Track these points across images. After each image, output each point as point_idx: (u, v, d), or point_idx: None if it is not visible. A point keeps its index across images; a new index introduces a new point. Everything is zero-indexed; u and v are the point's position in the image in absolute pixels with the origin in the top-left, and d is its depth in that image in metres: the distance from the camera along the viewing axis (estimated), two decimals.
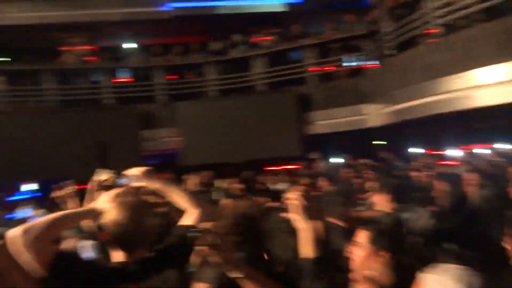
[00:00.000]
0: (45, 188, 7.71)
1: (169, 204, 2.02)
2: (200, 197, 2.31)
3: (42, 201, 4.99)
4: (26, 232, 1.44)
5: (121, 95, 9.44)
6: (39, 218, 1.61)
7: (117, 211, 1.60)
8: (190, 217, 1.79)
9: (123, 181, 1.86)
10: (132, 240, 1.61)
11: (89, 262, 1.84)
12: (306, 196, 1.86)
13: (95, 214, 1.65)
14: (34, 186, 7.82)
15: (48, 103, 9.10)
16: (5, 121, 8.27)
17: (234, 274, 1.47)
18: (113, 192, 1.70)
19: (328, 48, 8.91)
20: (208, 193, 4.73)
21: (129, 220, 1.59)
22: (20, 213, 4.12)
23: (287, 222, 1.97)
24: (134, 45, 11.00)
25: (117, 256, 1.64)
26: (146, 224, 1.67)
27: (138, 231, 1.62)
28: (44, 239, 1.47)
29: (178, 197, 1.85)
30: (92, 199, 1.90)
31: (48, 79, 9.04)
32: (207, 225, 1.72)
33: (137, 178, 1.87)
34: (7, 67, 9.22)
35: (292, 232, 1.90)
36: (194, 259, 1.56)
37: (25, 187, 7.61)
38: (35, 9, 9.34)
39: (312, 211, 1.83)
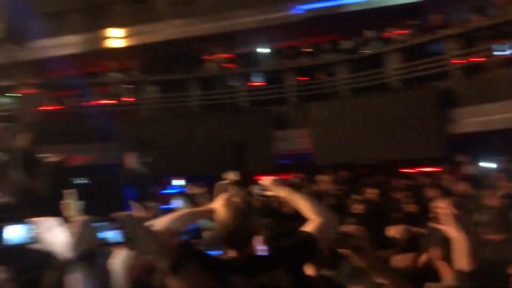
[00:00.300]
0: (191, 184, 8.62)
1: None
2: (325, 203, 2.30)
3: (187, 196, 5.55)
4: (161, 221, 1.63)
5: (256, 98, 9.99)
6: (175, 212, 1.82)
7: (225, 211, 1.70)
8: (311, 225, 1.80)
9: (255, 189, 1.97)
10: (238, 238, 1.69)
11: (205, 255, 1.97)
12: (457, 205, 1.70)
13: (211, 213, 1.78)
14: (182, 182, 8.72)
15: (193, 107, 10.16)
16: (158, 124, 9.52)
17: (379, 279, 1.42)
18: (226, 194, 1.82)
19: (474, 36, 7.95)
20: (343, 194, 4.68)
21: (235, 220, 1.67)
22: (172, 205, 4.66)
23: (439, 231, 1.83)
24: (267, 50, 11.49)
25: (230, 252, 1.73)
26: (252, 224, 1.74)
27: (244, 230, 1.69)
28: (168, 232, 1.64)
29: (302, 205, 1.89)
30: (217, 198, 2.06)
31: (193, 86, 10.11)
32: (350, 229, 1.70)
33: (267, 187, 1.97)
34: (159, 77, 10.54)
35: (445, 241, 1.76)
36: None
37: (175, 182, 8.55)
38: (184, 24, 10.47)
39: (464, 220, 1.67)
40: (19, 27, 9.72)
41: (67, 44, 11.24)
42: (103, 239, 1.24)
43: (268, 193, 1.97)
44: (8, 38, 9.57)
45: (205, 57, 10.50)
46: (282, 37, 11.33)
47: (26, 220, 1.43)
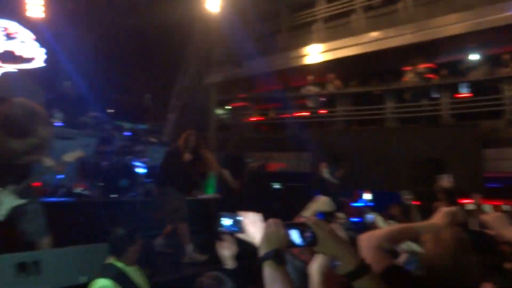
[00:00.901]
0: (378, 199, 8.33)
1: None
2: None
3: (374, 210, 5.35)
4: (369, 237, 1.56)
5: (461, 111, 8.92)
6: (382, 227, 1.72)
7: (438, 243, 1.50)
8: None
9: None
10: (448, 277, 1.46)
11: (416, 278, 1.80)
12: None
13: (432, 229, 1.60)
14: (369, 196, 8.50)
15: (388, 121, 9.80)
16: (352, 137, 9.54)
17: None
18: (447, 212, 1.61)
19: None
20: None
21: (447, 256, 1.46)
22: (365, 218, 4.58)
23: None
24: (476, 57, 10.15)
25: None
26: (464, 263, 1.49)
27: (455, 269, 1.46)
28: (381, 247, 1.53)
29: None
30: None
31: (389, 99, 9.75)
32: None
33: (489, 222, 1.69)
34: (354, 90, 10.54)
35: None
36: None
37: (364, 196, 8.41)
38: (381, 36, 10.26)
39: None
40: (236, 50, 11.35)
41: (273, 61, 12.50)
42: (291, 241, 1.30)
43: (491, 231, 1.70)
44: (227, 60, 11.29)
45: (404, 68, 10.00)
46: (497, 42, 9.82)
47: (236, 212, 1.65)
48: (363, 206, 7.87)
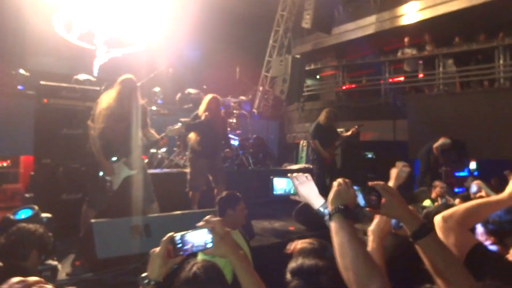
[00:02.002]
0: (483, 168, 7.58)
1: None
2: None
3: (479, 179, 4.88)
4: (449, 217, 1.47)
5: None
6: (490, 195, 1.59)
7: None
8: None
9: None
10: None
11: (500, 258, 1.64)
12: None
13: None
14: (473, 165, 7.81)
15: (499, 81, 8.73)
16: (454, 102, 8.72)
17: None
18: None
19: None
20: None
21: None
22: (471, 189, 4.23)
23: None
24: None
25: None
26: None
27: None
28: (464, 225, 1.45)
29: None
30: None
31: (501, 56, 8.64)
32: None
33: None
34: (457, 49, 9.49)
35: None
36: None
37: (471, 165, 7.72)
38: None
39: None
40: (324, 17, 10.98)
41: (363, 26, 11.86)
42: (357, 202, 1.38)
43: None
44: (315, 27, 10.98)
45: None
46: None
47: (288, 175, 1.68)
48: (467, 175, 7.25)
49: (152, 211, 4.34)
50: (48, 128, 4.97)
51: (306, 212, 5.00)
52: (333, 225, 1.30)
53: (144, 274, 1.33)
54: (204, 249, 1.33)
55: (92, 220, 3.70)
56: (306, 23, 10.56)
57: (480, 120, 8.08)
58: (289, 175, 1.67)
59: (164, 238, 1.33)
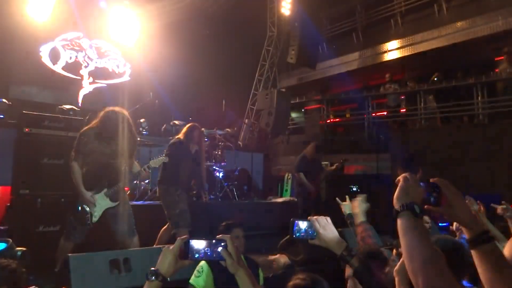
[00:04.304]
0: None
1: None
2: None
3: None
4: None
5: None
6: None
7: None
8: None
9: None
10: None
11: None
12: None
13: None
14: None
15: (476, 117, 8.99)
16: (434, 136, 8.92)
17: None
18: None
19: None
20: None
21: None
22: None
23: None
24: None
25: None
26: None
27: None
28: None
29: None
30: None
31: (477, 93, 8.94)
32: None
33: None
34: (437, 85, 9.79)
35: None
36: None
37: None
38: (469, 26, 9.47)
39: None
40: (309, 52, 11.27)
41: (347, 62, 12.19)
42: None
43: None
44: (300, 62, 11.24)
45: (495, 59, 9.13)
46: None
47: (309, 217, 1.64)
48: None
49: (133, 245, 4.20)
50: (28, 157, 4.84)
51: (290, 245, 4.92)
52: (400, 225, 1.22)
53: (153, 268, 1.40)
54: (216, 259, 1.40)
55: (69, 254, 3.55)
56: (291, 58, 10.81)
57: (461, 154, 8.25)
58: (309, 218, 1.63)
59: (181, 237, 1.42)
